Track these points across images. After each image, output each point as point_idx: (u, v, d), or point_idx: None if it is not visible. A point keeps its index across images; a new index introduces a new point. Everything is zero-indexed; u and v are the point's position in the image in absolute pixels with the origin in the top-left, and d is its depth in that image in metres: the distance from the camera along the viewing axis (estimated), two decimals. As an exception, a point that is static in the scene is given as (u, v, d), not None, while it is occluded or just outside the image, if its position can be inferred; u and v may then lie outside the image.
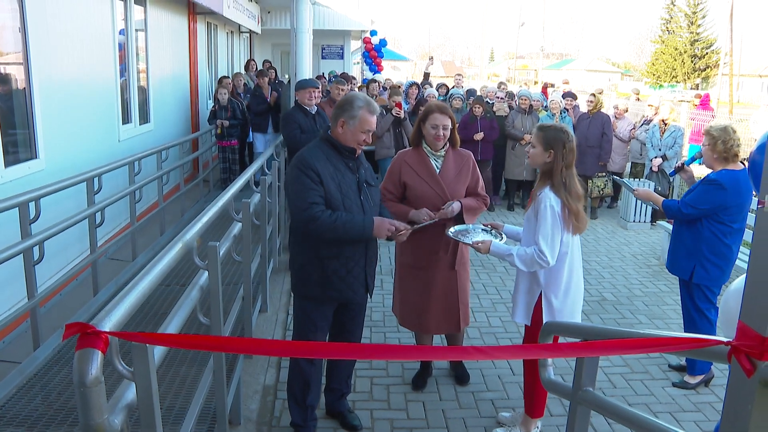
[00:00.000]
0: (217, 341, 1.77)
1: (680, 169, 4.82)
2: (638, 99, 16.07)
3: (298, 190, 3.23)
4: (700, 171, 5.23)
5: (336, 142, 3.35)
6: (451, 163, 3.96)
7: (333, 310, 3.58)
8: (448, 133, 3.97)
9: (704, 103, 13.82)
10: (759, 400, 1.44)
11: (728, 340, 1.55)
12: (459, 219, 3.91)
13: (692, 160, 5.10)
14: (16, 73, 5.19)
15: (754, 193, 4.18)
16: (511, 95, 10.85)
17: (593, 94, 9.60)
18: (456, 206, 3.86)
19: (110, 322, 1.68)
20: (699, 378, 4.43)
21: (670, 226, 7.31)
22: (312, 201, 3.20)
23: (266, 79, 10.16)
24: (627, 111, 10.26)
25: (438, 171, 3.94)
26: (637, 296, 6.31)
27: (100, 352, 1.54)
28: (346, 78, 10.94)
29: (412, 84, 11.21)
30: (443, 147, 3.96)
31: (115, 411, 1.72)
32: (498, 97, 10.39)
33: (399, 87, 10.17)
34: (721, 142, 4.16)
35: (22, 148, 5.20)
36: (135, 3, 8.07)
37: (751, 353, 1.45)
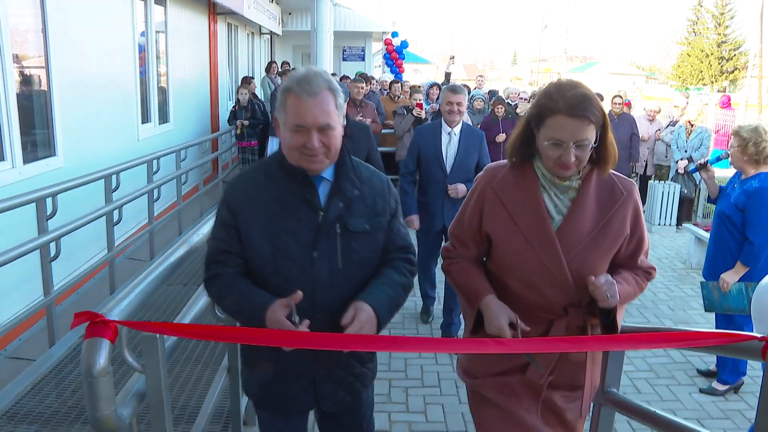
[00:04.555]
0: (229, 331, 1.72)
1: (703, 167, 4.52)
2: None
3: (209, 237, 2.09)
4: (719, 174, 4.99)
5: (282, 159, 1.99)
6: (591, 206, 2.02)
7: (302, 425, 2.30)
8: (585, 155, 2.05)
9: (725, 105, 13.60)
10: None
11: (762, 335, 1.48)
12: (607, 323, 2.02)
13: (717, 159, 4.94)
14: (37, 73, 5.22)
15: None
16: (535, 96, 10.75)
17: (619, 96, 9.30)
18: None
19: (120, 311, 1.64)
20: (727, 386, 4.29)
21: (696, 230, 7.18)
22: (213, 259, 2.01)
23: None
24: (660, 112, 9.94)
25: (557, 219, 2.03)
26: (662, 300, 6.18)
27: (108, 341, 1.50)
28: (365, 78, 10.89)
29: (433, 84, 11.14)
30: (578, 174, 2.03)
31: (124, 403, 1.68)
32: (521, 98, 10.30)
33: (420, 87, 10.12)
34: (752, 144, 3.94)
35: (41, 146, 5.22)
36: (155, 3, 8.11)
37: (788, 349, 1.37)
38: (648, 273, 2.14)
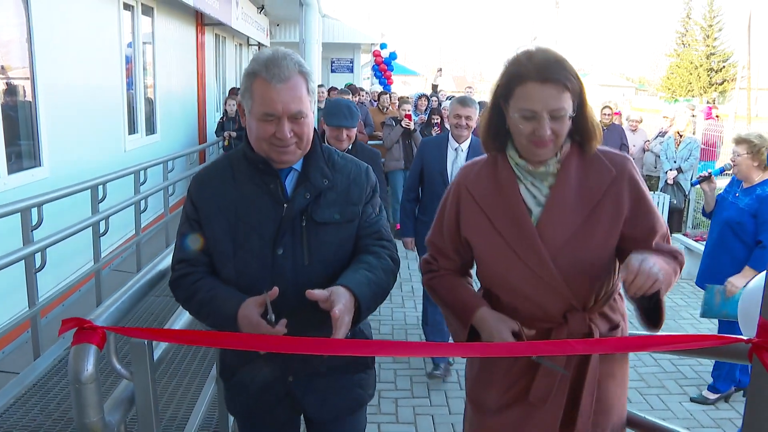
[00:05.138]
0: (216, 336, 1.70)
1: (706, 179, 4.42)
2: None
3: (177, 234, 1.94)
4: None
5: (247, 149, 1.83)
6: (574, 191, 1.75)
7: None
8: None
9: (708, 116, 13.71)
10: (782, 398, 1.38)
11: (749, 338, 1.49)
12: (650, 314, 1.74)
13: (721, 172, 4.91)
14: (22, 83, 5.18)
15: None
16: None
17: (608, 106, 9.24)
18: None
19: (107, 317, 1.63)
20: (718, 395, 4.30)
21: (687, 240, 7.23)
22: (178, 258, 1.88)
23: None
24: (641, 122, 9.96)
25: (536, 212, 1.77)
26: (651, 309, 6.21)
27: (96, 347, 1.48)
28: (352, 89, 10.93)
29: (422, 95, 11.21)
30: (556, 157, 1.75)
31: (111, 411, 1.66)
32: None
33: (408, 98, 10.17)
34: (766, 149, 3.95)
35: (26, 156, 5.18)
36: (143, 14, 8.10)
37: (774, 350, 1.39)
38: (674, 257, 1.74)
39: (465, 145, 4.29)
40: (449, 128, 4.37)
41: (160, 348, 1.84)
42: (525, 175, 1.76)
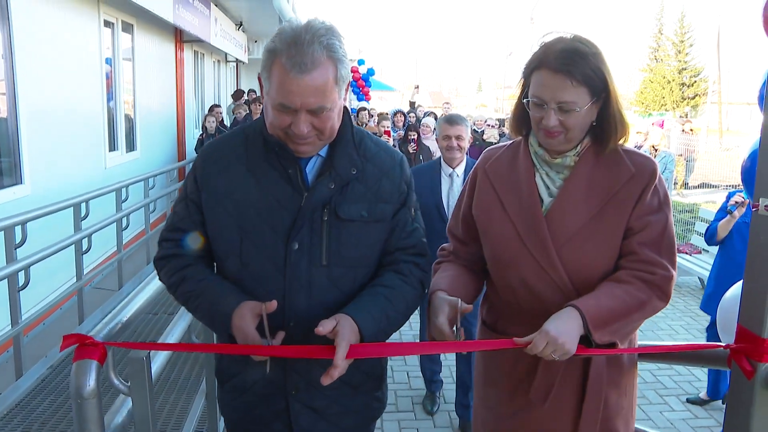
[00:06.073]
0: (216, 346, 1.69)
1: (742, 205, 4.14)
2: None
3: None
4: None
5: (264, 127, 1.59)
6: (586, 187, 1.70)
7: None
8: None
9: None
10: (760, 402, 1.46)
11: (727, 344, 1.57)
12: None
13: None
14: (2, 100, 5.17)
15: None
16: (502, 122, 11.13)
17: None
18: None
19: (108, 334, 1.66)
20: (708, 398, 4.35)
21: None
22: (165, 237, 1.69)
23: (258, 105, 10.25)
24: None
25: (548, 202, 1.73)
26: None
27: (97, 362, 1.51)
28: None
29: (397, 112, 11.34)
30: (575, 150, 1.70)
31: (110, 428, 1.69)
32: (488, 125, 10.58)
33: (387, 114, 10.29)
34: None
35: (7, 174, 5.15)
36: (122, 31, 8.10)
37: (751, 355, 1.47)
38: (650, 272, 1.62)
39: (460, 169, 3.71)
40: (441, 151, 3.80)
41: (157, 363, 1.87)
42: (542, 164, 1.73)
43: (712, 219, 4.53)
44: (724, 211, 4.26)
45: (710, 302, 4.24)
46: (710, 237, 4.30)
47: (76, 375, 1.49)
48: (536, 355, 1.54)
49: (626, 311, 1.59)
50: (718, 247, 4.43)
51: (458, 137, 3.65)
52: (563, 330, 1.51)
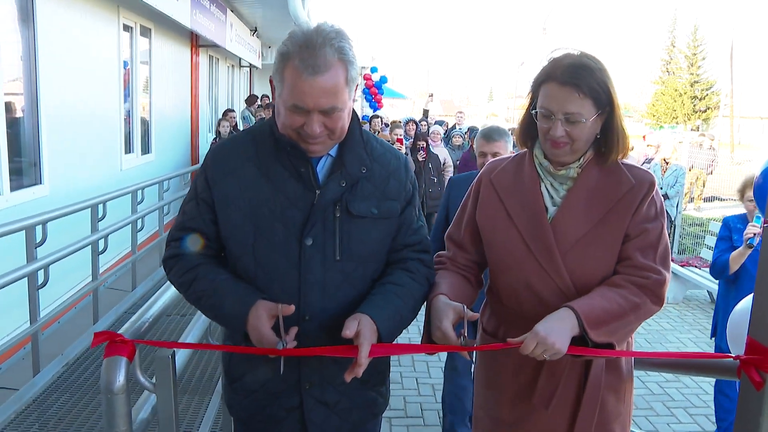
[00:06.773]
0: (241, 348, 1.69)
1: (758, 235, 3.51)
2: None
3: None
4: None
5: (275, 127, 1.65)
6: (588, 197, 1.78)
7: None
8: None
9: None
10: (769, 412, 1.49)
11: (737, 355, 1.61)
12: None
13: None
14: (25, 102, 5.27)
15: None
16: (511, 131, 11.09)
17: None
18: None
19: (135, 332, 1.72)
20: None
21: (672, 265, 7.28)
22: (174, 236, 1.72)
23: (270, 111, 10.33)
24: (632, 149, 10.15)
25: (552, 211, 1.80)
26: (639, 333, 6.22)
27: (127, 359, 1.57)
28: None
29: (409, 120, 11.37)
30: (578, 162, 1.79)
31: (135, 422, 1.75)
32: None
33: (399, 122, 10.31)
34: None
35: (27, 174, 5.25)
36: (140, 35, 8.22)
37: (761, 367, 1.50)
38: (643, 276, 1.70)
39: None
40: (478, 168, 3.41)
41: (180, 361, 1.92)
42: (546, 175, 1.81)
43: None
44: (726, 241, 3.83)
45: (721, 334, 3.63)
46: (720, 270, 3.71)
47: (107, 371, 1.55)
48: (535, 358, 1.59)
49: (621, 312, 1.65)
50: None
51: (494, 155, 3.31)
52: (553, 329, 1.57)
